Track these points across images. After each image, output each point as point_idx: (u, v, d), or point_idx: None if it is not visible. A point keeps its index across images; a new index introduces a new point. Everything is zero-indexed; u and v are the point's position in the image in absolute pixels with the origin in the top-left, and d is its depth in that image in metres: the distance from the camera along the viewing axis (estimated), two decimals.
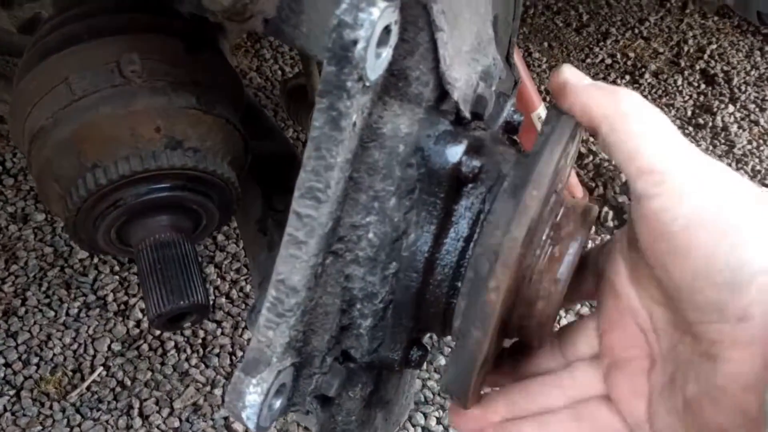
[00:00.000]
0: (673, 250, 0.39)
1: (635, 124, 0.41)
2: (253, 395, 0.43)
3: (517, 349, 0.53)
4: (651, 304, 0.45)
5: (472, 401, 0.47)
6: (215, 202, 0.71)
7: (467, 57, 0.48)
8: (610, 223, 1.77)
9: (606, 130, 0.42)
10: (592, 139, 1.99)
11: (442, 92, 0.45)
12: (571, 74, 0.45)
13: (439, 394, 1.40)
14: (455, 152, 0.43)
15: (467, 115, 0.48)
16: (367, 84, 0.38)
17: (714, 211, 0.38)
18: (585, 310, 1.54)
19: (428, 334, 0.59)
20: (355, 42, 0.36)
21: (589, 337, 0.49)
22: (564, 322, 1.53)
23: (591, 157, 1.94)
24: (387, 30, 0.38)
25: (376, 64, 0.38)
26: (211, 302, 1.50)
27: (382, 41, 0.38)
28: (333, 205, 0.41)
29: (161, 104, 0.66)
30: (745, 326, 0.36)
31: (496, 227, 0.42)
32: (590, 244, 0.51)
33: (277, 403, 0.46)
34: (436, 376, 1.43)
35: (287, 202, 0.42)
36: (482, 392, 0.51)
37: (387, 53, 0.39)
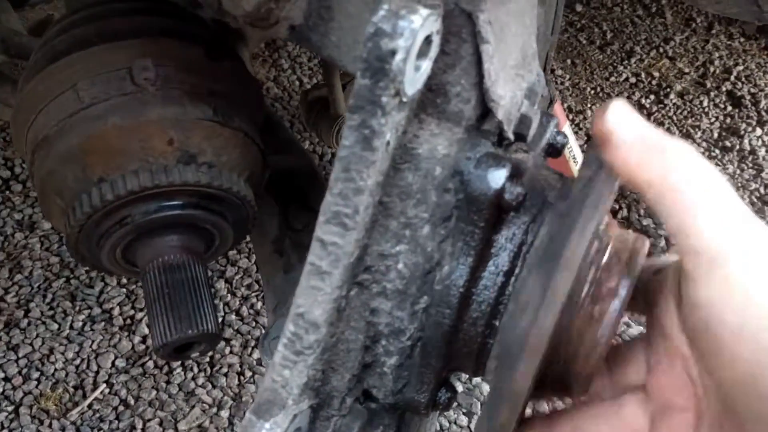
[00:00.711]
0: (719, 351, 0.35)
1: (686, 195, 0.35)
2: None
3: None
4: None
5: None
6: (230, 222, 0.66)
7: (512, 73, 0.44)
8: None
9: (652, 197, 0.36)
10: None
11: (485, 110, 0.41)
12: (616, 123, 0.36)
13: (455, 423, 1.34)
14: (498, 177, 0.39)
15: (511, 136, 0.43)
16: (404, 100, 0.34)
17: None
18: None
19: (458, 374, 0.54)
20: (393, 52, 0.32)
21: (638, 364, 0.45)
22: None
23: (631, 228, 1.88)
24: (428, 40, 0.34)
25: (414, 77, 0.34)
26: (220, 320, 1.45)
27: (422, 53, 0.34)
28: (361, 232, 0.37)
29: (175, 115, 0.61)
30: None
31: (524, 308, 0.38)
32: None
33: None
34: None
35: (305, 221, 0.38)
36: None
37: (426, 66, 0.35)
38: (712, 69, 2.26)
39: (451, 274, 0.41)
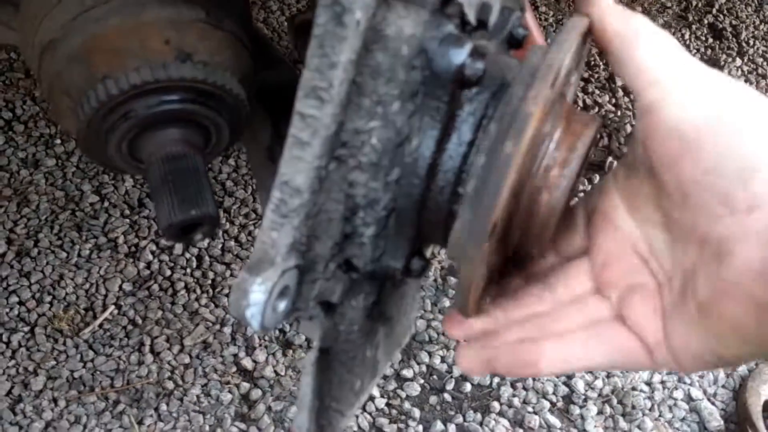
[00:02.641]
0: (686, 147, 0.41)
1: (646, 41, 0.45)
2: (258, 294, 0.43)
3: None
4: (649, 229, 0.47)
5: (474, 299, 0.48)
6: (225, 119, 0.72)
7: None
8: None
9: (618, 45, 0.45)
10: (597, 91, 1.98)
11: None
12: None
13: (443, 334, 1.42)
14: (459, 54, 0.44)
15: (472, 20, 0.48)
16: None
17: (726, 112, 0.40)
18: None
19: (430, 246, 0.59)
20: None
21: (580, 276, 0.51)
22: None
23: (597, 109, 1.93)
24: None
25: None
26: (221, 246, 1.52)
27: None
28: (337, 107, 0.42)
29: (170, 16, 0.66)
30: (753, 217, 0.38)
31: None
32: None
33: (281, 306, 0.46)
34: (441, 316, 1.45)
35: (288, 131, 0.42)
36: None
37: None
38: (694, 2, 2.30)
39: (419, 146, 0.45)
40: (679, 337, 0.44)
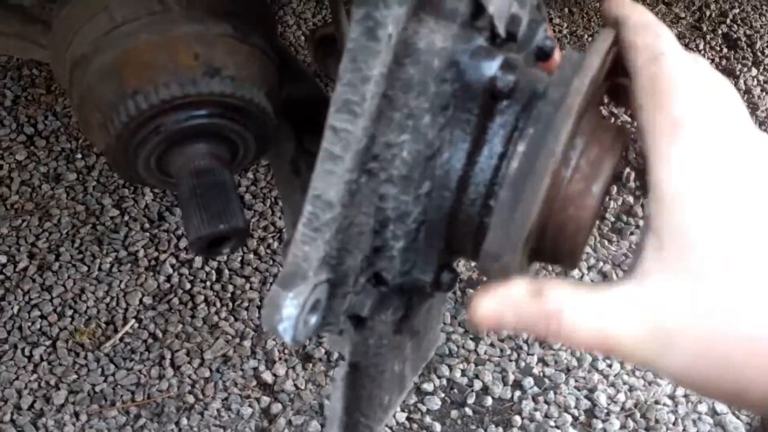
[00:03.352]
0: None
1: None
2: (290, 308, 0.43)
3: None
4: None
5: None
6: (252, 132, 0.73)
7: None
8: (632, 184, 1.77)
9: (641, 63, 0.43)
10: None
11: (477, 8, 0.45)
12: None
13: (463, 347, 1.41)
14: (490, 66, 0.44)
15: (502, 32, 0.48)
16: None
17: None
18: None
19: (459, 259, 0.59)
20: None
21: None
22: (587, 278, 1.54)
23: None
24: None
25: None
26: (240, 259, 1.52)
27: None
28: (368, 120, 0.42)
29: (199, 31, 0.67)
30: None
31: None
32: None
33: (313, 320, 0.46)
34: (461, 330, 1.44)
35: (320, 144, 0.43)
36: None
37: None
38: (708, 13, 2.29)
39: (450, 159, 0.45)
40: None
